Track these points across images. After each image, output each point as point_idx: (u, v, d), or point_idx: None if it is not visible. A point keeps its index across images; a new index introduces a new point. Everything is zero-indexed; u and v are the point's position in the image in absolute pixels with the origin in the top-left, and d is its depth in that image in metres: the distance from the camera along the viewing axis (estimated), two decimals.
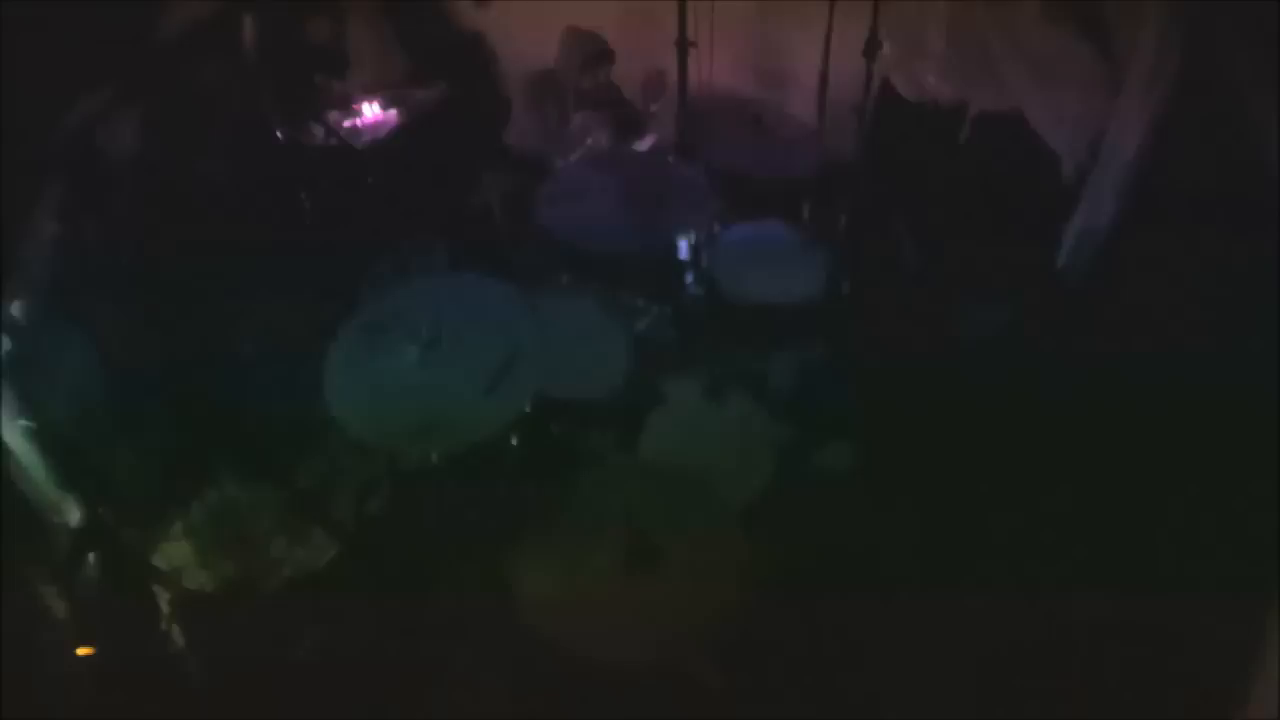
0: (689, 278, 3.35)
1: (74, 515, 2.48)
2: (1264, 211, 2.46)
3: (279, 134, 3.60)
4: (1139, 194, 3.07)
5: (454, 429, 2.47)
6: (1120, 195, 3.15)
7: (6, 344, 2.60)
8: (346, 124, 3.69)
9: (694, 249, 3.33)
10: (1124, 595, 2.42)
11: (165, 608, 2.51)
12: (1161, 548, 2.57)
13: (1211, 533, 2.51)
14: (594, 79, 3.72)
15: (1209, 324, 2.74)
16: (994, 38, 3.36)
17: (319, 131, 3.61)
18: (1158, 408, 2.74)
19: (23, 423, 2.51)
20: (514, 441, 2.80)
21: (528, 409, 2.50)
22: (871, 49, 3.44)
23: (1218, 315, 2.73)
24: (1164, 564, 2.53)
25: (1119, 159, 3.12)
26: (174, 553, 2.68)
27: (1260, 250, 2.52)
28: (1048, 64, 3.27)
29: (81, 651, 2.34)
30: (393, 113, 3.75)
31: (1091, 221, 3.27)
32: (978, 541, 2.70)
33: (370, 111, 3.73)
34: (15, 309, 2.67)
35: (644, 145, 3.78)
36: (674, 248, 3.33)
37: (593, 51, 3.70)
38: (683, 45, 3.47)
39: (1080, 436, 2.84)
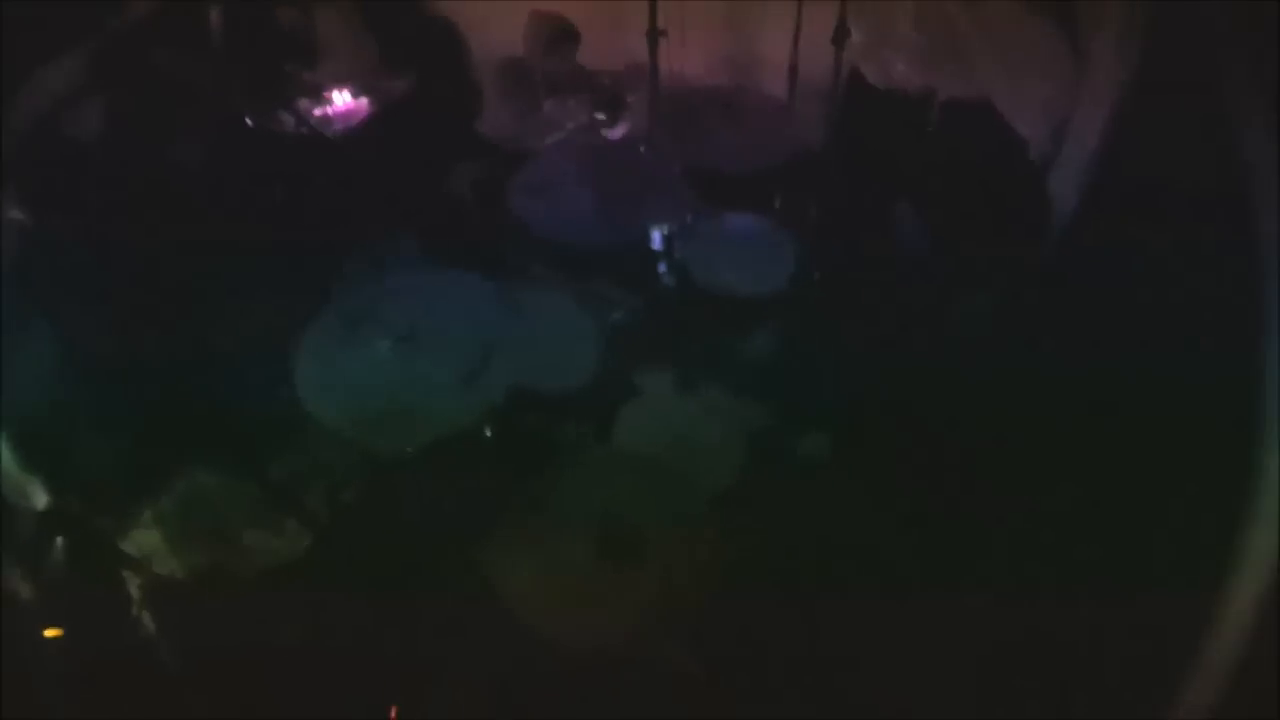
0: (662, 268, 3.34)
1: (40, 499, 2.47)
2: (1232, 195, 2.49)
3: (249, 122, 3.54)
4: (1104, 179, 3.10)
5: (427, 421, 2.47)
6: (1086, 180, 3.18)
7: None
8: (317, 112, 3.65)
9: (667, 239, 3.33)
10: (1079, 592, 2.44)
11: (135, 594, 2.50)
12: (1128, 545, 2.59)
13: (1171, 530, 2.54)
14: (560, 60, 3.67)
15: (1175, 311, 2.75)
16: (962, 24, 3.37)
17: (289, 120, 3.57)
18: (1120, 396, 2.76)
19: None
20: (489, 433, 2.79)
21: (501, 401, 2.50)
22: (840, 37, 3.45)
23: (1183, 302, 2.75)
24: (1123, 561, 2.53)
25: (1085, 143, 3.15)
26: (144, 540, 2.65)
27: (1226, 234, 2.54)
28: (1016, 50, 3.29)
29: (49, 633, 2.32)
30: (364, 101, 3.72)
31: (1058, 206, 3.30)
32: (953, 534, 2.72)
33: (341, 100, 3.68)
34: None
35: (618, 132, 3.76)
36: (647, 238, 3.32)
37: (557, 31, 3.67)
38: (653, 36, 3.47)
39: (1047, 424, 2.85)
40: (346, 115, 3.70)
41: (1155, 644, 2.04)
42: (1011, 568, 2.54)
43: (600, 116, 3.73)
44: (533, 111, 3.77)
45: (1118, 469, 2.62)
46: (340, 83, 3.75)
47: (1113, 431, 2.69)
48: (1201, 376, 2.44)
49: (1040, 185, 3.33)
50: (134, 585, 2.50)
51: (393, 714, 2.39)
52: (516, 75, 3.83)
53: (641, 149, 3.62)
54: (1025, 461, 2.79)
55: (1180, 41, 2.65)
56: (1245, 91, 2.39)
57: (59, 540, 2.43)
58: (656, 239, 3.36)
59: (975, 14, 3.35)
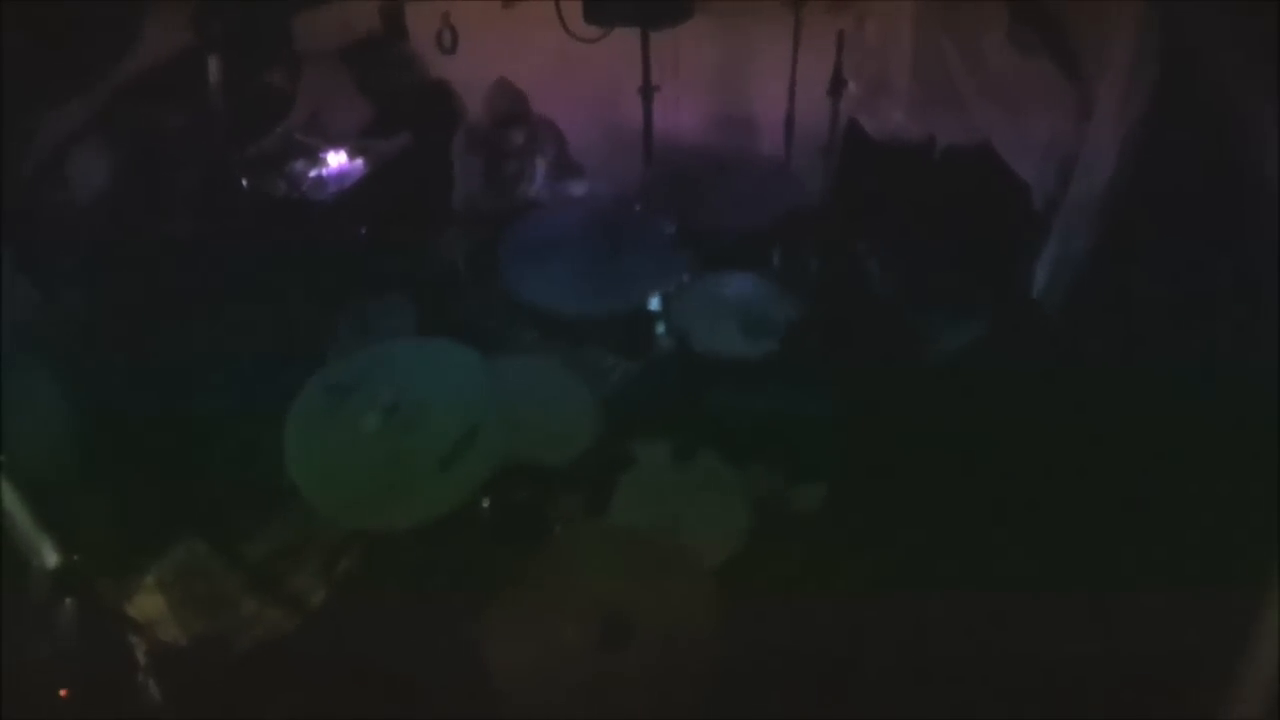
0: (659, 331, 3.27)
1: (50, 558, 2.42)
2: (1248, 226, 2.47)
3: (244, 184, 3.54)
4: (1114, 217, 3.03)
5: (414, 502, 2.40)
6: (1095, 220, 3.11)
7: None
8: (312, 174, 3.64)
9: (663, 301, 3.25)
10: (1108, 605, 2.44)
11: (141, 658, 2.45)
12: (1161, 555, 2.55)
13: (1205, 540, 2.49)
14: (507, 143, 3.66)
15: (1190, 344, 2.74)
16: (960, 70, 3.32)
17: (283, 185, 3.56)
18: (1138, 431, 2.73)
19: None
20: (485, 505, 2.72)
21: (493, 477, 2.43)
22: (836, 88, 3.40)
23: (1199, 335, 2.73)
24: (1147, 570, 2.52)
25: (1092, 184, 3.08)
26: (147, 604, 2.65)
27: (1242, 267, 2.55)
28: (1016, 93, 3.24)
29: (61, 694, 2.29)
30: (358, 163, 3.71)
31: (1067, 248, 3.22)
32: (968, 596, 2.65)
33: (336, 161, 3.67)
34: None
35: (580, 189, 3.67)
36: (643, 301, 3.25)
37: (506, 115, 3.62)
38: (647, 92, 3.43)
39: (1062, 478, 2.81)
40: (341, 177, 3.68)
41: (1196, 653, 2.05)
42: (1032, 607, 2.49)
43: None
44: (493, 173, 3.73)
45: (1152, 490, 2.64)
46: (334, 144, 3.73)
47: (1142, 457, 2.71)
48: (1226, 401, 2.45)
49: (1046, 226, 3.24)
50: (139, 650, 2.46)
51: None
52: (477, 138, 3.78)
53: (636, 208, 3.54)
54: (1037, 505, 2.75)
55: (1189, 70, 2.59)
56: (1260, 116, 2.30)
57: (67, 601, 2.39)
58: (652, 302, 3.28)
59: (973, 59, 3.29)
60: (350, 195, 3.66)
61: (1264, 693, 1.78)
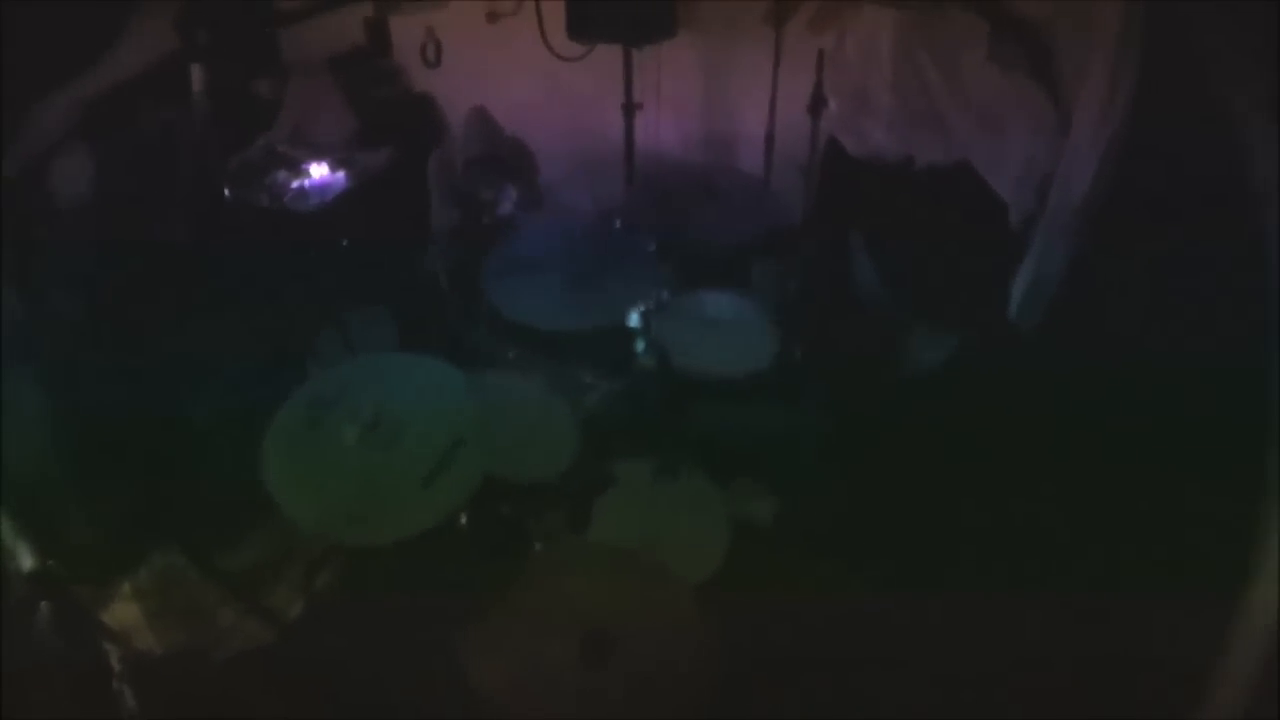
0: (639, 349, 3.29)
1: (26, 561, 2.44)
2: (1231, 237, 2.47)
3: (226, 194, 3.55)
4: (1094, 232, 3.07)
5: (392, 518, 2.41)
6: (1071, 240, 3.15)
7: None
8: (294, 185, 3.64)
9: (643, 318, 3.27)
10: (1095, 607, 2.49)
11: (116, 665, 2.45)
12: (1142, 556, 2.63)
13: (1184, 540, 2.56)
14: (482, 183, 3.68)
15: (1172, 356, 2.75)
16: (940, 88, 3.35)
17: (264, 196, 3.57)
18: (1114, 441, 2.82)
19: None
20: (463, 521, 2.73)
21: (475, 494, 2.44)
22: (817, 106, 3.43)
23: (1181, 348, 2.75)
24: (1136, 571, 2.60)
25: (1068, 202, 3.12)
26: (123, 613, 2.64)
27: (1224, 278, 2.56)
28: (995, 111, 3.28)
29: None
30: (340, 175, 3.71)
31: (1045, 265, 3.26)
32: (954, 608, 2.69)
33: (318, 173, 3.67)
34: None
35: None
36: (622, 318, 3.27)
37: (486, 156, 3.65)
38: (629, 108, 3.45)
39: (1045, 487, 2.90)
40: (323, 189, 3.69)
41: (1171, 655, 2.09)
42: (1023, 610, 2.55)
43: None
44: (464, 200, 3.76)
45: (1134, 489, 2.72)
46: (318, 155, 3.74)
47: (1121, 467, 2.79)
48: (1208, 409, 2.51)
49: (1023, 245, 3.28)
50: (114, 657, 2.46)
51: None
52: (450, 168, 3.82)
53: (617, 225, 3.57)
54: (1019, 515, 2.84)
55: (1171, 81, 2.62)
56: (1246, 128, 2.34)
57: (43, 605, 2.40)
58: (633, 319, 3.30)
59: (953, 77, 3.33)
60: (333, 207, 3.67)
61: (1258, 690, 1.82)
